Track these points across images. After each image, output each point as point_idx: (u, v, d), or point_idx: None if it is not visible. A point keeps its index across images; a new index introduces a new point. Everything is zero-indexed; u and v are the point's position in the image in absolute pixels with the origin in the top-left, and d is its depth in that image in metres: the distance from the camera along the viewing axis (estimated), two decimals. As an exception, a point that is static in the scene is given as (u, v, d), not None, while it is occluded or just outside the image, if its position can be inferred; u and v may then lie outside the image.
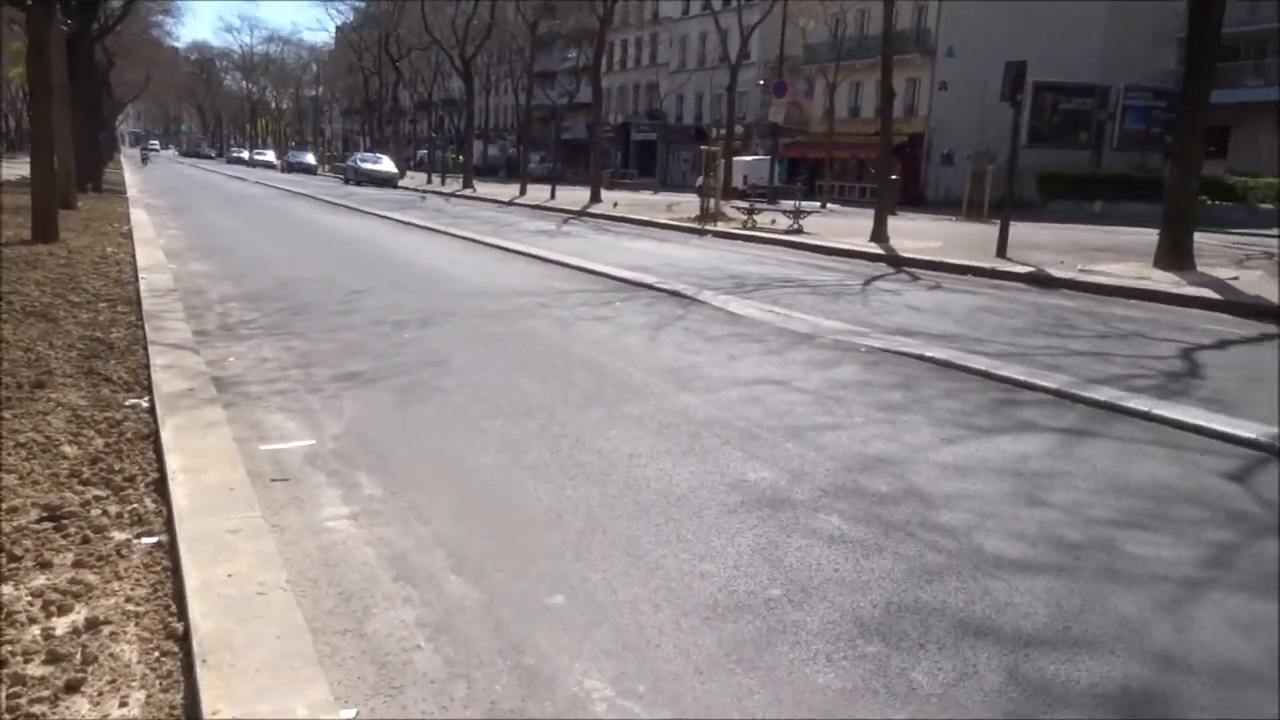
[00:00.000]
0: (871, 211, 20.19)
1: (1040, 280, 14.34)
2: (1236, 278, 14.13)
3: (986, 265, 15.50)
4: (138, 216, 20.11)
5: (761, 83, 43.32)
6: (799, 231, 21.55)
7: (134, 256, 12.40)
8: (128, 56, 70.18)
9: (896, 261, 16.83)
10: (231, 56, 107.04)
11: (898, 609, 3.56)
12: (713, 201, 25.15)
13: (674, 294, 11.38)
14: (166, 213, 24.55)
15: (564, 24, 60.17)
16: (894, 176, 35.58)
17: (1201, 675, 3.12)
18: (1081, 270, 14.66)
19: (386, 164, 48.27)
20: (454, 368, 7.54)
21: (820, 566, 3.93)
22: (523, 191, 37.04)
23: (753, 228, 22.76)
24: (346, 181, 47.95)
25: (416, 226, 21.24)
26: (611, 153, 71.77)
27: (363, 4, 63.42)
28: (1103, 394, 6.67)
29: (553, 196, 34.09)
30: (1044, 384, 6.92)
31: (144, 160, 49.44)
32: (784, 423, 6.00)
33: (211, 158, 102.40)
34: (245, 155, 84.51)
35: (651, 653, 3.29)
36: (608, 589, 3.76)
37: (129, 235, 15.33)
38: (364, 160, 48.81)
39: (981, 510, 4.54)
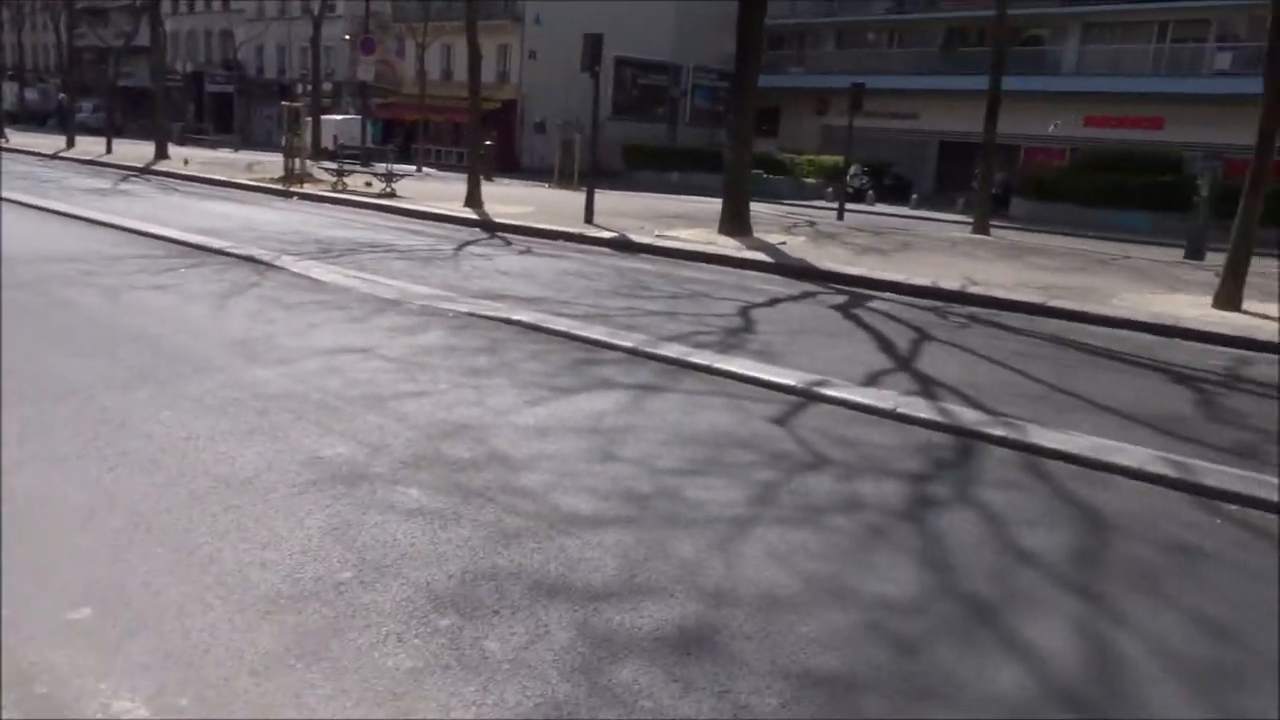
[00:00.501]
0: (467, 177, 20.10)
1: (622, 245, 15.16)
2: (785, 243, 15.96)
3: (575, 231, 16.10)
4: None
5: (347, 38, 41.43)
6: (392, 195, 20.94)
7: None
8: None
9: (490, 226, 16.94)
10: None
11: (474, 578, 3.50)
12: (299, 162, 23.66)
13: (249, 260, 10.49)
14: None
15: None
16: (488, 143, 35.90)
17: (746, 606, 3.40)
18: (658, 236, 15.73)
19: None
20: (-37, 348, 6.31)
21: (396, 542, 3.76)
22: (70, 144, 32.27)
23: (343, 190, 21.74)
24: None
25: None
26: (183, 105, 64.94)
27: None
28: (672, 350, 7.15)
29: (109, 151, 30.07)
30: (621, 343, 7.27)
31: None
32: (364, 393, 5.72)
33: None
34: None
35: (199, 659, 2.93)
36: (148, 593, 3.31)
37: None
38: None
39: (560, 470, 4.63)
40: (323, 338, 7.15)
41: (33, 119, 60.10)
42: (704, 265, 13.30)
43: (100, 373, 5.87)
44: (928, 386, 6.73)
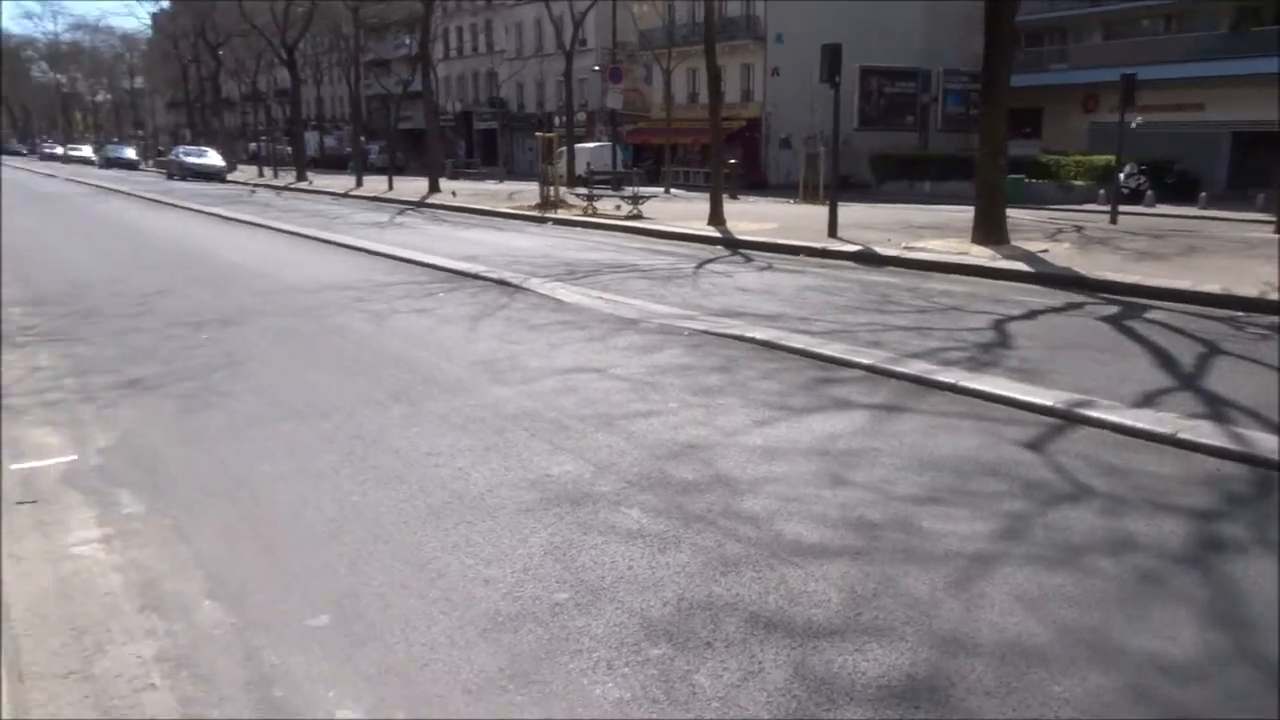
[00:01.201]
0: (710, 195, 20.22)
1: (867, 258, 14.66)
2: (1046, 250, 14.81)
3: (818, 245, 15.75)
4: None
5: (596, 69, 43.10)
6: (638, 217, 21.44)
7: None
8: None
9: (732, 244, 16.92)
10: (36, 46, 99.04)
11: (689, 606, 3.37)
12: (553, 189, 24.79)
13: (501, 283, 11.01)
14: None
15: (393, 9, 58.35)
16: (731, 161, 36.06)
17: (987, 657, 3.04)
18: (906, 248, 15.07)
19: (213, 157, 45.64)
20: (249, 370, 6.99)
21: (614, 564, 3.70)
22: (359, 183, 35.65)
23: (593, 214, 22.53)
24: (170, 176, 45.09)
25: (239, 222, 20.06)
26: (455, 142, 70.26)
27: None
28: (915, 368, 6.72)
29: (390, 188, 32.93)
30: (860, 360, 6.93)
31: None
32: (596, 411, 5.77)
33: (22, 154, 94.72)
34: (59, 151, 78.48)
35: (417, 674, 2.98)
36: (380, 604, 3.43)
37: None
38: (188, 154, 45.96)
39: (785, 494, 4.42)
40: (562, 357, 7.32)
41: (331, 163, 67.00)
42: (955, 277, 12.56)
43: (360, 392, 6.30)
44: (1217, 408, 5.91)
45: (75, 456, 5.14)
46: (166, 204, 25.90)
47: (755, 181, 45.38)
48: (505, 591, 3.49)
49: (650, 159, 52.39)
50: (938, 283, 12.00)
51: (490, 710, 2.79)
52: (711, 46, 19.74)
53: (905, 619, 3.25)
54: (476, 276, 11.51)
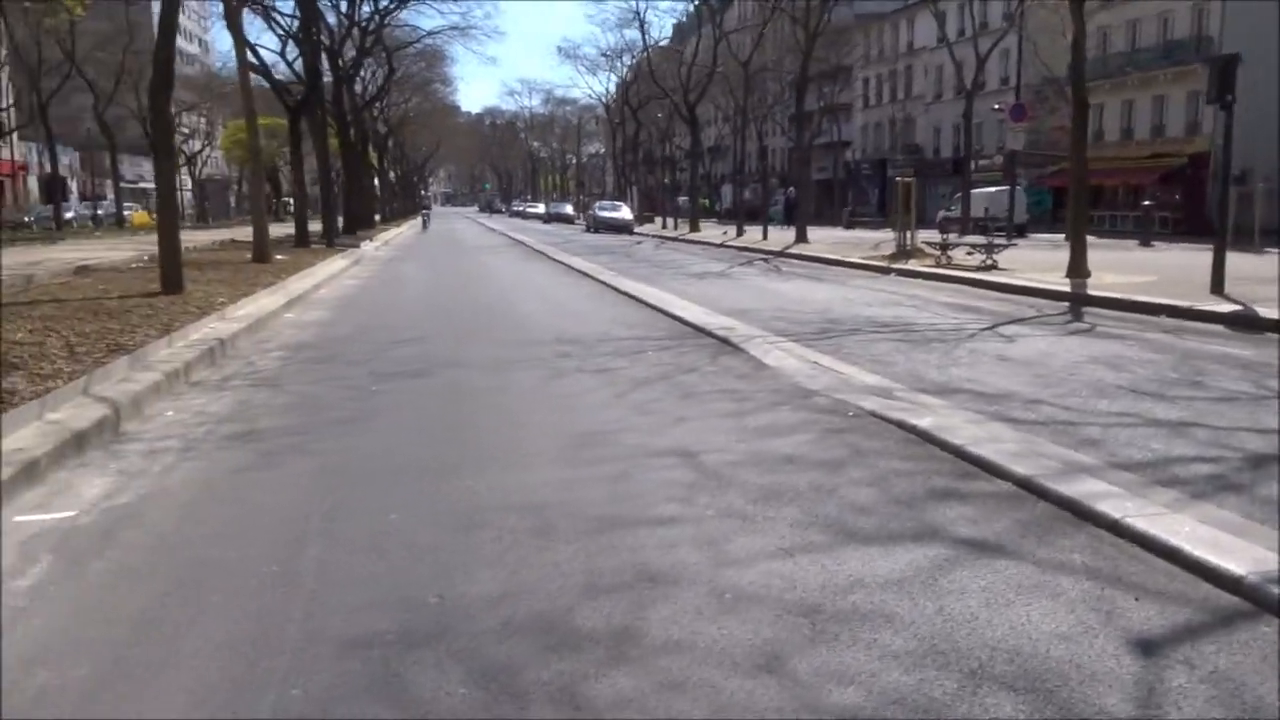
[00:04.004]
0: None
1: (1244, 321, 11.41)
2: None
3: (1184, 304, 12.62)
4: (328, 268, 21.30)
5: (996, 107, 39.67)
6: (992, 267, 18.99)
7: (227, 303, 12.77)
8: (417, 125, 77.22)
9: (1077, 300, 14.19)
10: (524, 118, 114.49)
11: None
12: (909, 236, 22.95)
13: (723, 341, 9.97)
14: (372, 262, 26.02)
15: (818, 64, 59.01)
16: (1146, 202, 31.16)
17: None
18: (1303, 309, 11.50)
19: (624, 212, 49.08)
20: (361, 427, 6.73)
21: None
22: (739, 233, 36.09)
23: (946, 264, 20.41)
24: (587, 229, 49.29)
25: (576, 272, 20.87)
26: (868, 190, 69.24)
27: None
28: (1084, 488, 4.67)
29: (764, 237, 32.86)
30: (1015, 469, 4.99)
31: (424, 224, 51.02)
32: (611, 513, 4.64)
33: (501, 212, 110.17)
34: (519, 208, 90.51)
35: None
36: None
37: (276, 286, 16.03)
38: (602, 208, 49.99)
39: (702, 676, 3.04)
40: (673, 435, 6.20)
41: (748, 214, 69.27)
42: None
43: (412, 460, 5.75)
44: None
45: (74, 513, 5.10)
46: (539, 253, 27.83)
47: (1200, 226, 38.99)
48: None
49: (1073, 203, 47.31)
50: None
51: None
52: (1081, 73, 16.98)
53: None
54: (707, 333, 10.56)
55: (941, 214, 41.33)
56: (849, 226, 45.92)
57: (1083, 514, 4.35)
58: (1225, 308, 12.19)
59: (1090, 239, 33.07)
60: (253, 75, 30.33)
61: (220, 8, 31.05)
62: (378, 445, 6.20)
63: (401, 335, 11.51)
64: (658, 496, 4.92)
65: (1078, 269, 16.64)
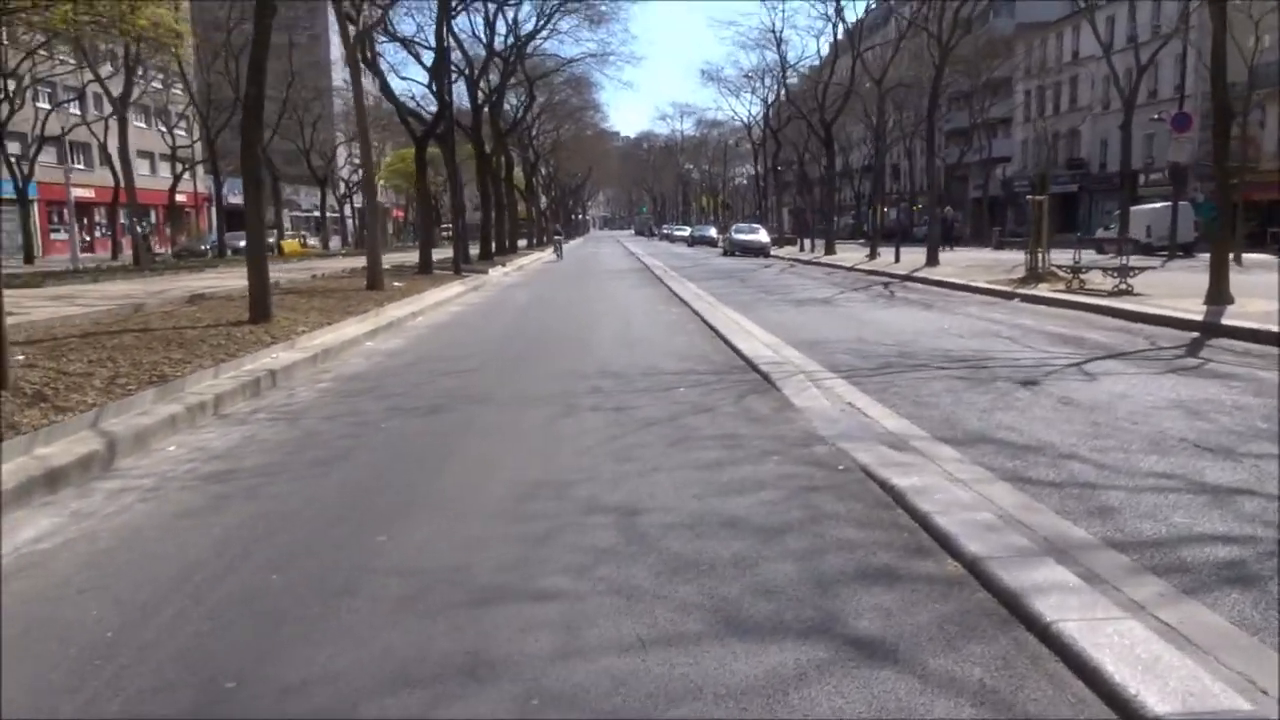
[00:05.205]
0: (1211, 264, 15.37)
1: (1396, 359, 9.83)
2: None
3: (1328, 337, 11.02)
4: (439, 294, 21.66)
5: (1156, 117, 36.63)
6: (1126, 292, 17.33)
7: (306, 331, 13.01)
8: (570, 151, 78.83)
9: (1206, 330, 12.65)
10: (676, 142, 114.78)
11: None
12: (1040, 258, 21.34)
13: (764, 377, 9.29)
14: (493, 288, 26.36)
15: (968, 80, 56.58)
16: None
17: None
18: None
19: (760, 234, 48.14)
20: (330, 469, 6.50)
21: None
22: (871, 255, 34.70)
23: (1078, 289, 18.81)
24: (725, 253, 48.73)
25: (676, 297, 20.36)
26: (1025, 209, 65.65)
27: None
28: (1038, 576, 3.84)
29: (897, 260, 31.45)
30: (969, 548, 4.19)
31: (557, 253, 47.39)
32: (514, 581, 4.19)
33: (653, 235, 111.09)
34: (669, 232, 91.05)
35: None
36: None
37: (371, 313, 16.33)
38: (739, 231, 49.25)
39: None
40: (632, 486, 5.67)
41: (891, 235, 67.02)
42: None
43: (369, 504, 5.46)
44: None
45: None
46: (659, 279, 27.27)
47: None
48: None
49: (1256, 219, 43.50)
50: None
51: None
52: (1222, 78, 15.28)
53: None
54: (755, 368, 9.89)
55: (1100, 232, 38.58)
56: (998, 247, 43.43)
57: (1018, 612, 3.58)
58: (1376, 341, 10.55)
59: (1260, 259, 30.09)
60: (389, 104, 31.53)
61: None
62: (330, 491, 5.96)
63: (458, 365, 11.37)
64: (561, 564, 4.43)
65: (1219, 295, 14.91)
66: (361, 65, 27.71)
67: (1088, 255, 22.99)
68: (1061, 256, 22.28)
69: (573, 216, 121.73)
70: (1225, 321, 12.92)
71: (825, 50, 62.18)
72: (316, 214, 74.82)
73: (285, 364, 10.97)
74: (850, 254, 40.46)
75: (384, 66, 30.27)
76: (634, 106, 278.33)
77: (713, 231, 70.11)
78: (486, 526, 5.05)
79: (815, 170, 66.51)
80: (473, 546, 4.72)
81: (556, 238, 51.00)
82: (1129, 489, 5.30)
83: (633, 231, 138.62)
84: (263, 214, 14.42)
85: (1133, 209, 35.78)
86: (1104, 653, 3.12)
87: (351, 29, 22.80)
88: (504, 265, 36.42)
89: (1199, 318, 13.49)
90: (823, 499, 5.25)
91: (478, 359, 11.99)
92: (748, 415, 7.70)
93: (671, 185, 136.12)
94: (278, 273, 29.15)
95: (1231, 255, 27.15)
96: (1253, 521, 4.70)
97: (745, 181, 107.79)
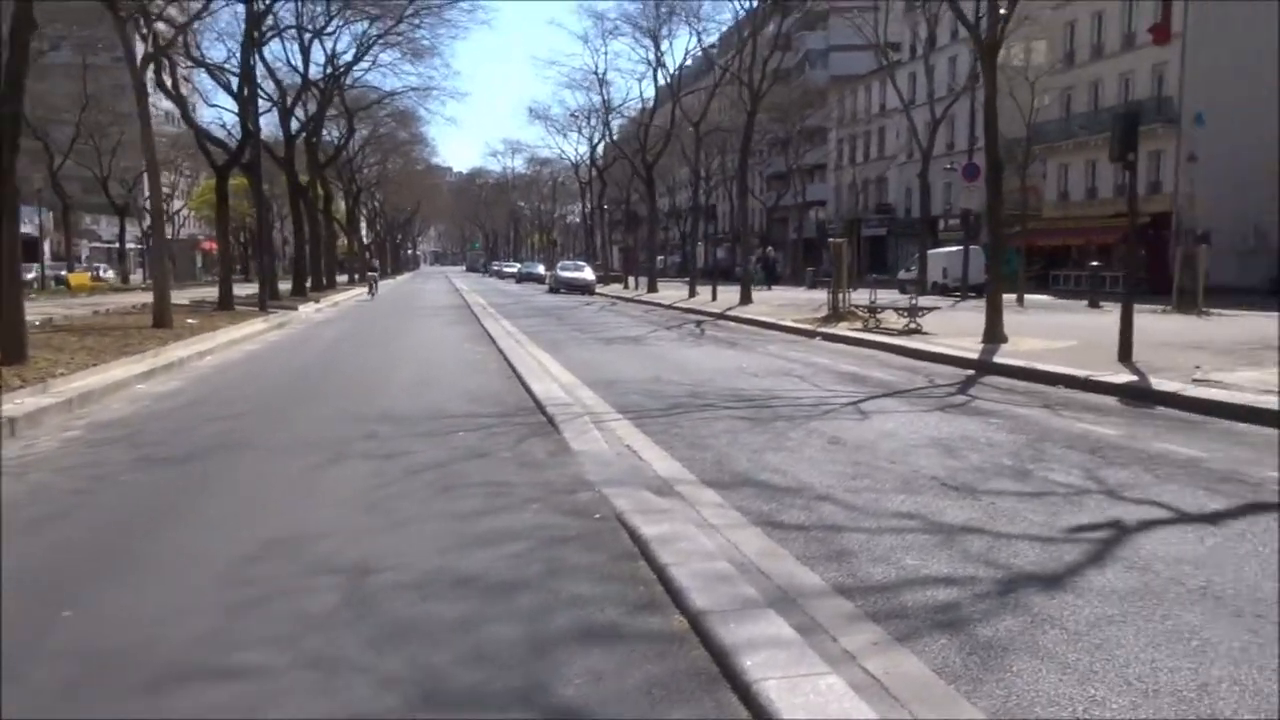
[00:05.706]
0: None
1: (1137, 393, 10.62)
2: None
3: (1083, 374, 11.82)
4: (235, 333, 20.47)
5: (949, 167, 39.34)
6: (915, 331, 18.24)
7: (65, 374, 11.91)
8: (396, 185, 77.05)
9: (982, 368, 13.39)
10: (508, 179, 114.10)
11: None
12: (842, 298, 22.25)
13: (548, 420, 9.09)
14: (300, 325, 25.18)
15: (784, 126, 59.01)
16: (1094, 263, 30.64)
17: None
18: (1197, 381, 10.68)
19: (585, 272, 48.38)
20: (50, 528, 5.81)
21: None
22: (691, 294, 35.40)
23: (874, 329, 19.65)
24: (550, 290, 48.62)
25: (487, 336, 19.95)
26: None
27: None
28: (755, 631, 3.74)
29: (713, 299, 32.16)
30: (694, 602, 4.07)
31: (371, 291, 44.34)
32: (188, 659, 3.74)
33: (479, 272, 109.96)
34: (499, 268, 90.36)
35: None
36: None
37: (149, 353, 15.18)
38: (564, 269, 49.36)
39: None
40: (373, 542, 5.30)
41: (721, 274, 68.82)
42: (1257, 430, 8.43)
43: (60, 579, 4.84)
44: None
45: None
46: (477, 317, 26.67)
47: (1160, 286, 38.44)
48: None
49: (1039, 263, 47.00)
50: (1205, 439, 8.04)
51: None
52: (993, 134, 16.39)
53: None
54: (541, 410, 9.68)
55: (902, 274, 40.81)
56: (812, 286, 45.21)
57: (726, 670, 3.46)
58: (1122, 378, 11.38)
59: (1041, 300, 32.55)
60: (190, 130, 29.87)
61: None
62: (34, 555, 5.28)
63: (232, 409, 10.63)
64: (264, 635, 4.02)
65: (993, 334, 15.87)
66: (158, 90, 26.16)
67: (887, 295, 24.07)
68: (865, 297, 23.28)
69: (402, 251, 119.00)
70: (997, 359, 13.71)
71: (649, 93, 63.64)
72: (118, 245, 70.04)
73: (29, 410, 9.96)
74: (672, 291, 41.16)
75: (193, 92, 28.72)
76: (467, 142, 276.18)
77: (540, 269, 70.05)
78: (196, 594, 4.58)
79: (642, 209, 67.68)
80: (170, 618, 4.25)
81: (371, 274, 49.20)
82: (871, 530, 5.36)
83: (464, 268, 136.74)
84: (16, 244, 13.17)
85: (930, 252, 38.01)
86: (797, 714, 3.02)
87: (141, 49, 21.46)
88: (317, 301, 35.01)
89: (975, 355, 14.28)
90: (569, 551, 5.05)
91: (255, 401, 11.27)
92: (522, 460, 7.46)
93: (504, 221, 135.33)
94: (55, 308, 27.03)
95: (1015, 296, 29.16)
96: (976, 561, 4.81)
97: (577, 219, 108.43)
